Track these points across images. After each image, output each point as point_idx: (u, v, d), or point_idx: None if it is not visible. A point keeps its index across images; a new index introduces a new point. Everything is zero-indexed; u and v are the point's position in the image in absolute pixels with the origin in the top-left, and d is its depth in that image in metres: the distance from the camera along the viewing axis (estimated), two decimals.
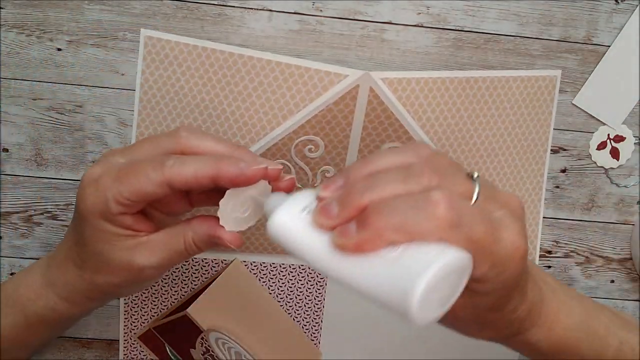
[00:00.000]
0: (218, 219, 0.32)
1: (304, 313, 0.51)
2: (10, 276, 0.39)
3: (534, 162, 0.50)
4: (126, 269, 0.34)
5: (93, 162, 0.47)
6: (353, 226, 0.26)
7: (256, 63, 0.45)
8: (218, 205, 0.33)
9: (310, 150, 0.46)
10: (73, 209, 0.48)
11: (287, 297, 0.51)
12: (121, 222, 0.33)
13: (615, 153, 0.50)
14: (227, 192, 0.31)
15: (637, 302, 0.54)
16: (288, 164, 0.46)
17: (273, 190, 0.33)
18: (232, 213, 0.32)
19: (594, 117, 0.50)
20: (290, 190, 0.33)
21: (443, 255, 0.25)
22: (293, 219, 0.28)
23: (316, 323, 0.52)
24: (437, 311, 0.26)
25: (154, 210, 0.35)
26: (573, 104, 0.50)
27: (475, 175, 0.28)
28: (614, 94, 0.49)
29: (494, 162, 0.49)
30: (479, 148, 0.48)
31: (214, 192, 0.35)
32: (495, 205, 0.28)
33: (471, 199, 0.27)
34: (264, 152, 0.46)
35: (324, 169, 0.47)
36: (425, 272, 0.24)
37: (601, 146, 0.50)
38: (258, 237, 0.49)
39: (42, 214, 0.48)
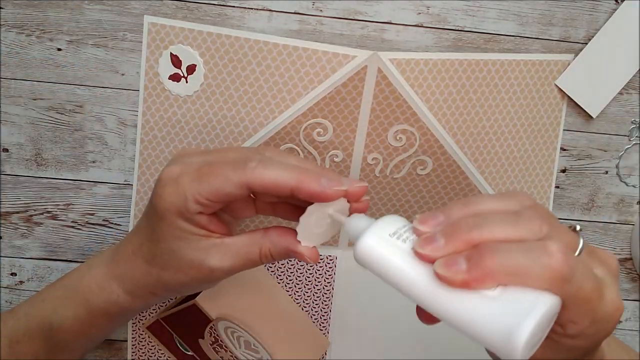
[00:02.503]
0: (294, 232, 0.33)
1: (313, 302, 0.52)
2: (74, 268, 0.40)
3: (545, 147, 0.50)
4: (196, 268, 0.34)
5: (93, 162, 0.48)
6: (463, 262, 0.26)
7: (263, 47, 0.45)
8: (280, 216, 0.34)
9: (318, 133, 0.46)
10: (73, 208, 0.48)
11: (296, 286, 0.51)
12: (198, 221, 0.33)
13: None
14: (309, 208, 0.32)
15: (637, 302, 0.54)
16: (297, 148, 0.47)
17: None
18: (311, 229, 0.33)
19: (594, 117, 0.50)
20: (364, 211, 0.33)
21: (544, 299, 0.25)
22: (382, 243, 0.28)
23: (325, 312, 0.52)
24: (529, 353, 0.26)
25: (223, 213, 0.36)
26: (573, 104, 0.50)
27: (578, 228, 0.29)
28: (596, 81, 0.49)
29: (503, 147, 0.49)
30: (487, 132, 0.48)
31: (281, 202, 0.36)
32: (595, 262, 0.29)
33: (575, 252, 0.28)
34: (272, 136, 0.46)
35: (333, 153, 0.47)
36: (531, 315, 0.24)
37: None
38: (267, 225, 0.49)
39: (42, 214, 0.48)
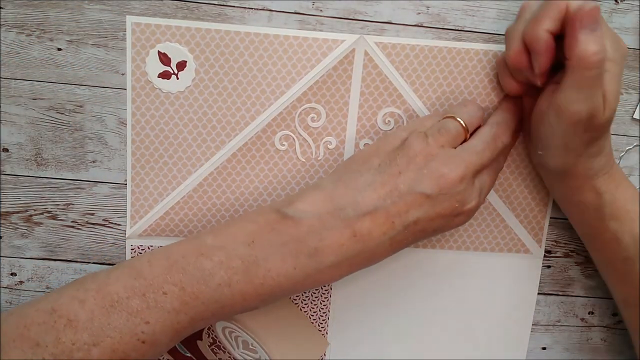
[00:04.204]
0: None
1: (311, 302, 0.52)
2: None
3: None
4: None
5: (93, 162, 0.48)
6: None
7: (254, 38, 0.45)
8: None
9: (312, 119, 0.47)
10: (73, 208, 0.48)
11: None
12: None
13: None
14: None
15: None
16: (292, 135, 0.47)
17: None
18: None
19: None
20: None
21: None
22: None
23: (323, 312, 0.52)
24: None
25: None
26: None
27: None
28: None
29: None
30: None
31: None
32: None
33: None
34: (269, 123, 0.47)
35: (327, 140, 0.47)
36: None
37: None
38: None
39: (42, 214, 0.48)
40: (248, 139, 0.47)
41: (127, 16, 0.44)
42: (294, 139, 0.47)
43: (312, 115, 0.47)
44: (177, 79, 0.45)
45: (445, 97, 0.47)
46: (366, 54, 0.46)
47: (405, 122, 0.48)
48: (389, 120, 0.47)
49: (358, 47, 0.46)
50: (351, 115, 0.47)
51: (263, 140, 0.47)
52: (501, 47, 0.47)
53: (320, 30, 0.46)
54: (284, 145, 0.47)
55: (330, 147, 0.48)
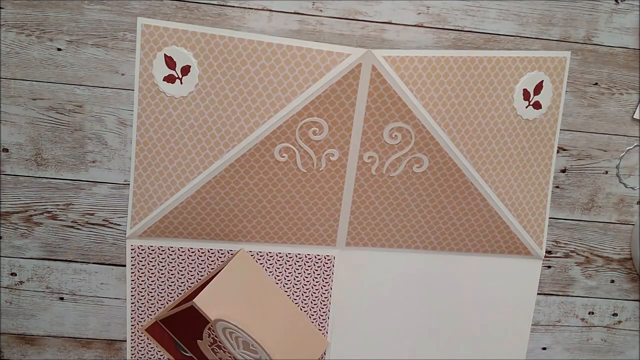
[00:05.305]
0: None
1: (311, 302, 0.52)
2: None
3: (542, 145, 0.50)
4: None
5: (93, 162, 0.48)
6: None
7: (257, 46, 0.45)
8: None
9: (314, 132, 0.46)
10: (73, 208, 0.48)
11: (294, 286, 0.51)
12: None
13: None
14: None
15: (637, 302, 0.54)
16: (293, 147, 0.47)
17: None
18: None
19: (593, 116, 0.50)
20: None
21: None
22: None
23: (324, 312, 0.52)
24: None
25: None
26: (572, 103, 0.50)
27: None
28: None
29: (499, 143, 0.49)
30: (484, 129, 0.48)
31: None
32: None
33: None
34: (268, 135, 0.46)
35: (329, 152, 0.47)
36: None
37: None
38: (264, 226, 0.49)
39: (42, 214, 0.48)
40: (247, 150, 0.47)
41: (138, 18, 0.44)
42: (294, 150, 0.47)
43: (313, 128, 0.46)
44: (181, 83, 0.45)
45: (455, 110, 0.47)
46: (374, 68, 0.45)
47: (413, 137, 0.47)
48: (395, 135, 0.47)
49: (365, 61, 0.45)
50: (355, 128, 0.47)
51: (262, 152, 0.47)
52: (504, 53, 0.47)
53: (321, 31, 0.46)
54: (284, 156, 0.47)
55: (332, 158, 0.48)
